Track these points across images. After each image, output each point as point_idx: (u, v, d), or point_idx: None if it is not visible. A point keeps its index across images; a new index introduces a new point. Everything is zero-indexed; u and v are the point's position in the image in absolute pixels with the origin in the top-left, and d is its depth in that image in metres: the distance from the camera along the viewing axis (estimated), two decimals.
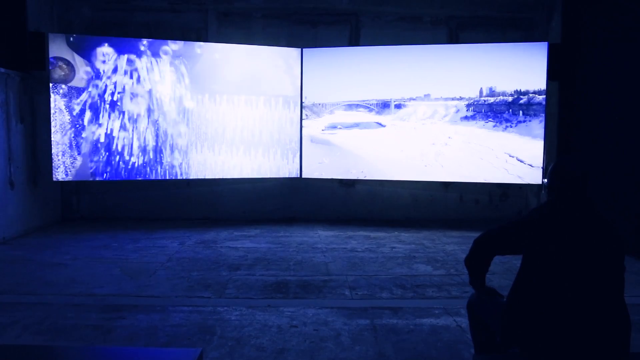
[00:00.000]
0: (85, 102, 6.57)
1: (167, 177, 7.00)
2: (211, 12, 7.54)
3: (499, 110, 6.90)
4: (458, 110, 7.05)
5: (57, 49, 6.42)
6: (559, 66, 6.78)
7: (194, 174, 7.09)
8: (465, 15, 7.66)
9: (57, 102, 6.44)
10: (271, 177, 7.45)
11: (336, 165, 7.42)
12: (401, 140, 7.28)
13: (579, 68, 6.64)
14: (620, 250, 2.05)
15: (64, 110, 6.47)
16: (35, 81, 6.61)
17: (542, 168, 6.72)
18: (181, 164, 7.01)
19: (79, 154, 6.58)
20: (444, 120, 7.11)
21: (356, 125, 7.39)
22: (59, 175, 6.51)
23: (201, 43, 7.12)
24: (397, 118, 7.26)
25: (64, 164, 6.50)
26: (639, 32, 5.47)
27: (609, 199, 5.50)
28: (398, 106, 7.23)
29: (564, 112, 6.92)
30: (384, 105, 7.27)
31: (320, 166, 7.45)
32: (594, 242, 2.01)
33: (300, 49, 7.36)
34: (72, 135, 6.53)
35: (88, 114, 6.59)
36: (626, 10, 5.74)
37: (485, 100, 6.93)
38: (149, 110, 6.83)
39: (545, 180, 2.20)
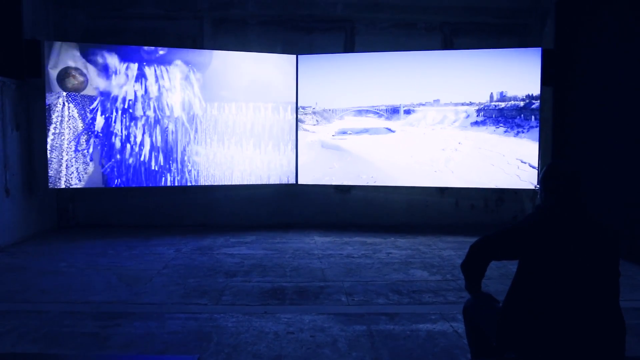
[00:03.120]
0: (97, 110, 6.65)
1: (176, 184, 7.06)
2: (206, 19, 7.57)
3: (510, 116, 6.91)
4: (468, 116, 7.05)
5: (70, 58, 6.48)
6: (552, 71, 6.84)
7: (203, 180, 7.15)
8: (459, 21, 7.71)
9: (70, 110, 6.52)
10: (268, 183, 7.46)
11: (346, 170, 7.42)
12: (411, 146, 7.29)
13: (572, 73, 6.69)
14: (615, 255, 2.07)
15: (78, 118, 6.53)
16: (31, 88, 6.61)
17: (537, 171, 6.74)
18: (190, 170, 7.07)
19: (90, 160, 6.65)
20: (454, 125, 7.12)
21: (366, 130, 7.40)
22: (73, 181, 6.59)
23: (211, 51, 7.17)
24: (407, 124, 7.27)
25: (77, 170, 6.58)
26: (631, 37, 5.53)
27: (603, 203, 5.52)
28: (407, 112, 7.24)
29: (558, 117, 6.97)
30: (394, 111, 7.28)
31: (331, 171, 7.46)
32: (589, 247, 2.03)
33: (295, 55, 7.39)
34: (85, 143, 6.62)
35: (99, 123, 6.67)
36: (618, 16, 5.80)
37: (496, 105, 6.93)
38: (157, 117, 6.89)
39: (538, 185, 2.22)
